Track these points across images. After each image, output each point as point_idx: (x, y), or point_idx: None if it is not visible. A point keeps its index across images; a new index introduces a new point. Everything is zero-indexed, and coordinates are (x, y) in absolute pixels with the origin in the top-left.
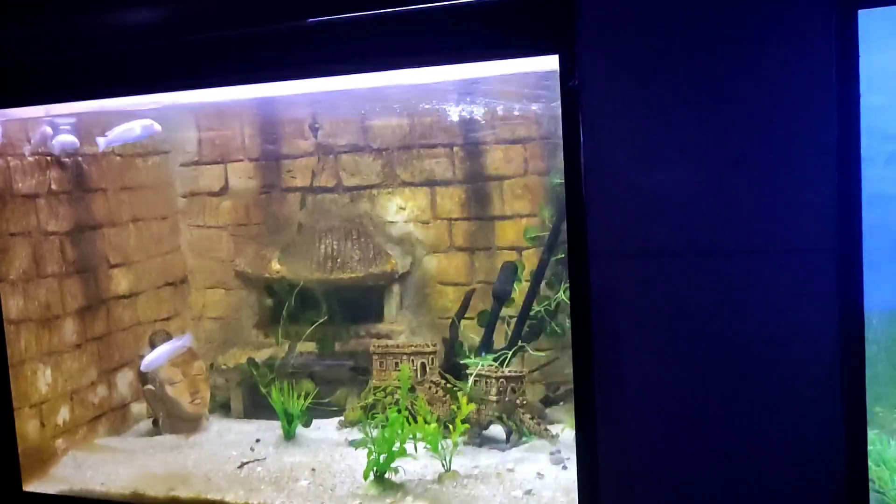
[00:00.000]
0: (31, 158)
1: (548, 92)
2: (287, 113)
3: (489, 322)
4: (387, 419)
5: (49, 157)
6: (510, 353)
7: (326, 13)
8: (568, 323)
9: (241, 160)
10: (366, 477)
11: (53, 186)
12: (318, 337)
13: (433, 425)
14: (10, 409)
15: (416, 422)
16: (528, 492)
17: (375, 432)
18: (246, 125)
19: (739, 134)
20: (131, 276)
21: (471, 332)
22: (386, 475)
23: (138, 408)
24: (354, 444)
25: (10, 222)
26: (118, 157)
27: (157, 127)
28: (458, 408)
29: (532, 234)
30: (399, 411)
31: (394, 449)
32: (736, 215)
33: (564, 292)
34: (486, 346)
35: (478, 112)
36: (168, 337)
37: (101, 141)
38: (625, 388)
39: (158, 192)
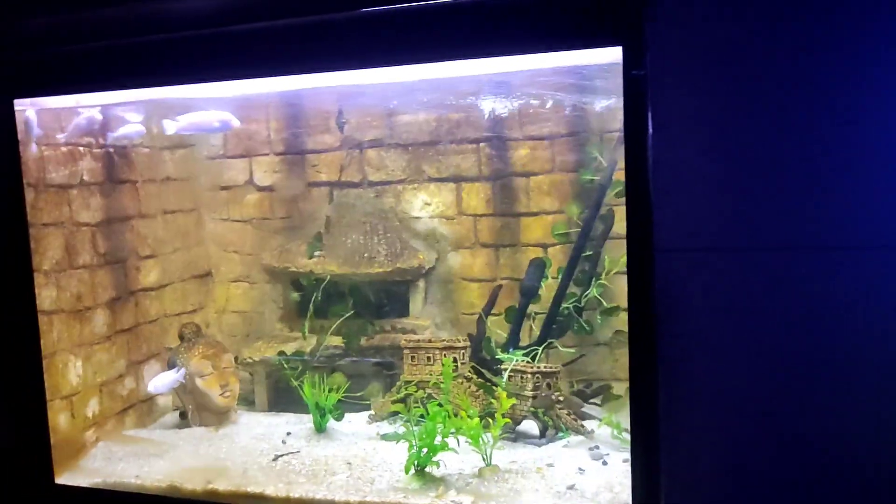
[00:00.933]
0: (67, 149)
1: (587, 84)
2: (313, 106)
3: (517, 318)
4: (426, 413)
5: (83, 148)
6: (540, 348)
7: (377, 3)
8: (598, 319)
9: (267, 154)
10: (407, 471)
11: (86, 177)
12: (345, 331)
13: (476, 420)
14: (44, 402)
15: (455, 416)
16: (571, 487)
17: (413, 426)
18: (272, 119)
19: (816, 127)
20: (158, 268)
21: (496, 328)
22: (426, 469)
23: (163, 400)
24: (394, 437)
25: (44, 212)
26: (146, 150)
27: (236, 122)
28: (492, 402)
29: (560, 230)
30: (440, 405)
31: (436, 443)
32: (810, 211)
33: (596, 289)
34: (513, 341)
35: (506, 107)
36: (198, 329)
37: (169, 126)
38: (690, 385)
39: (184, 186)
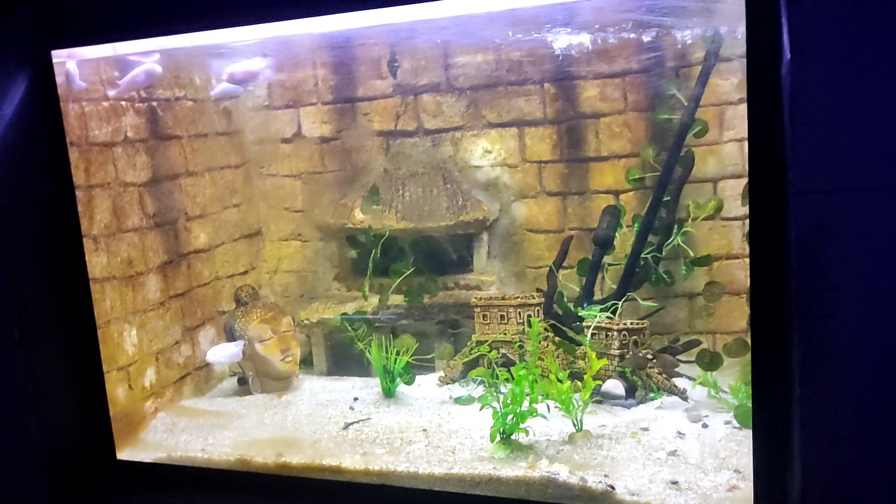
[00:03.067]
0: (109, 104)
1: (667, 9)
2: (363, 49)
3: (591, 270)
4: (511, 377)
5: (125, 102)
6: (620, 302)
7: None
8: (684, 270)
9: (315, 103)
10: (492, 439)
11: (130, 134)
12: (406, 289)
13: (566, 384)
14: (101, 375)
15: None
16: (673, 453)
17: (491, 390)
18: (319, 65)
19: None
20: (208, 228)
21: (566, 282)
22: (512, 436)
23: (220, 366)
24: (469, 401)
25: (89, 173)
26: (189, 102)
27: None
28: (577, 362)
29: (636, 174)
30: (525, 368)
31: (523, 409)
32: None
33: (681, 237)
34: (588, 296)
35: (573, 42)
36: (254, 292)
37: (217, 86)
38: (833, 340)
39: (230, 140)
